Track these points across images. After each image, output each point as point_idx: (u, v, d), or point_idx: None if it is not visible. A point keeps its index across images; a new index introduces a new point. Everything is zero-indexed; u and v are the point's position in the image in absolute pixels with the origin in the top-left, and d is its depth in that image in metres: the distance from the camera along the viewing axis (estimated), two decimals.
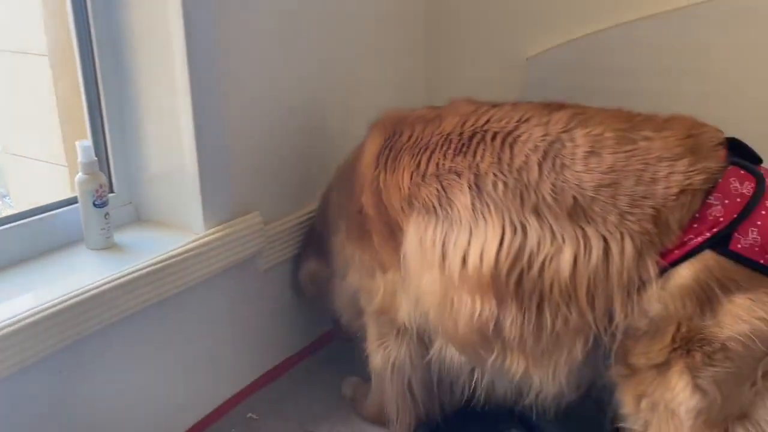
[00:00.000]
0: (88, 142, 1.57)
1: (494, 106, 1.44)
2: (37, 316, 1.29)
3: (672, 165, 1.24)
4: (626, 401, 1.33)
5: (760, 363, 1.21)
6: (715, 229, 1.20)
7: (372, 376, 1.71)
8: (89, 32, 1.55)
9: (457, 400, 1.66)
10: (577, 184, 1.27)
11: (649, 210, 1.23)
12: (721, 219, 1.20)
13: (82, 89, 1.59)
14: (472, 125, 1.40)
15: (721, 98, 1.78)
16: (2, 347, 1.24)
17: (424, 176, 1.41)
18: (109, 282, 1.40)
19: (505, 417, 1.69)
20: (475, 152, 1.37)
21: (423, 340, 1.58)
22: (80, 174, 1.52)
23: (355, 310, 1.71)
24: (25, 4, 1.87)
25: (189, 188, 1.61)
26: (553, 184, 1.28)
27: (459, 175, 1.37)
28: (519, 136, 1.34)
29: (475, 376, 1.52)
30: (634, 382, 1.31)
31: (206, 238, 1.60)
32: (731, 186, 1.22)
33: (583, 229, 1.26)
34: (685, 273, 1.22)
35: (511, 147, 1.34)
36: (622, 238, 1.23)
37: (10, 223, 1.48)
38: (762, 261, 1.18)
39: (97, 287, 1.38)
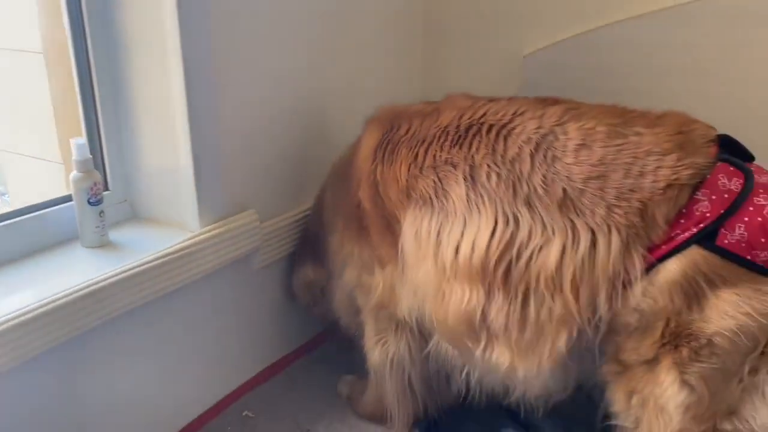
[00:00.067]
0: (83, 139, 1.57)
1: (491, 100, 1.46)
2: (31, 314, 1.28)
3: (660, 159, 1.24)
4: (617, 398, 1.34)
5: (747, 359, 1.21)
6: (701, 225, 1.21)
7: (371, 373, 1.71)
8: (84, 30, 1.55)
9: (454, 396, 1.66)
10: (567, 176, 1.27)
11: (636, 203, 1.23)
12: (708, 215, 1.21)
13: (77, 87, 1.59)
14: (469, 118, 1.41)
15: (712, 96, 1.79)
16: None
17: (421, 168, 1.42)
18: (103, 280, 1.40)
19: (500, 415, 1.69)
20: (471, 144, 1.38)
21: (422, 334, 1.58)
22: (75, 172, 1.52)
23: (352, 308, 1.72)
24: (21, 2, 1.87)
25: (184, 186, 1.60)
26: (544, 176, 1.29)
27: (455, 166, 1.38)
28: (513, 128, 1.35)
29: (466, 370, 1.52)
30: (625, 379, 1.31)
31: (201, 236, 1.60)
32: (719, 182, 1.23)
33: (572, 221, 1.27)
34: (672, 268, 1.22)
35: (506, 139, 1.35)
36: (609, 231, 1.24)
37: (5, 220, 1.48)
38: (748, 257, 1.18)
39: (92, 285, 1.38)
